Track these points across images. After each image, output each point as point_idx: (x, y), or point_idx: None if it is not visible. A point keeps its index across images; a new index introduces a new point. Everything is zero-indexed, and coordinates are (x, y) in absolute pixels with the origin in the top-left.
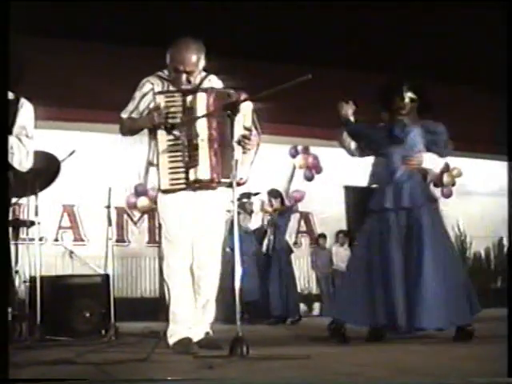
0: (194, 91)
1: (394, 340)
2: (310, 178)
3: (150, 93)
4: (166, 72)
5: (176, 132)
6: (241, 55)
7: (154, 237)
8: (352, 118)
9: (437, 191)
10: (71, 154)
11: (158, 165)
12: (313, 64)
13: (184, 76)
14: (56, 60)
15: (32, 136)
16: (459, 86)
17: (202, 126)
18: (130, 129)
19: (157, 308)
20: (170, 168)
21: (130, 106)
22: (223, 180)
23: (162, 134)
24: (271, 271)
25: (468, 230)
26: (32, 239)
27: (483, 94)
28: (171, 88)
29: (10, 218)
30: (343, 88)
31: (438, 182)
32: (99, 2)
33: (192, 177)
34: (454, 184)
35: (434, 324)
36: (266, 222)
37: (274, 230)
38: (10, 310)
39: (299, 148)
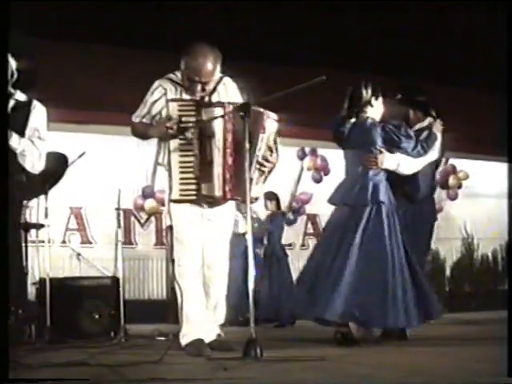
0: (210, 104)
1: (403, 342)
2: (318, 180)
3: (163, 98)
4: (178, 75)
5: (188, 145)
6: (253, 58)
7: (161, 239)
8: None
9: (443, 193)
10: (81, 155)
11: (169, 172)
12: (322, 66)
13: (199, 86)
14: (63, 62)
15: (44, 138)
16: (463, 88)
17: (216, 144)
18: (140, 134)
19: (165, 310)
20: (181, 179)
21: (142, 111)
22: (236, 197)
23: (174, 144)
24: (263, 277)
25: (475, 232)
26: (41, 241)
27: (489, 95)
28: (184, 95)
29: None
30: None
31: (444, 185)
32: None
33: (204, 192)
34: (460, 186)
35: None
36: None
37: (269, 237)
38: (20, 311)
39: (307, 150)
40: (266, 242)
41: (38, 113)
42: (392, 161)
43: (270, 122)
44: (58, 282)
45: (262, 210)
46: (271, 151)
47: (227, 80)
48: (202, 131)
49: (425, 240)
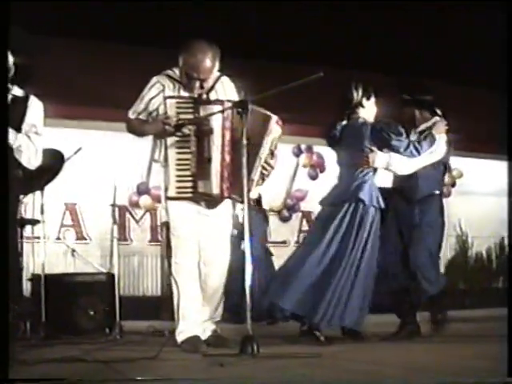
0: (208, 102)
1: (402, 339)
2: (314, 177)
3: (161, 95)
4: (176, 72)
5: (185, 142)
6: (250, 55)
7: (156, 235)
8: None
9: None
10: (77, 151)
11: (166, 169)
12: (318, 63)
13: (197, 83)
14: (61, 58)
15: (41, 133)
16: (459, 86)
17: (215, 139)
18: (136, 131)
19: (159, 307)
20: (178, 176)
21: (139, 107)
22: (233, 196)
23: (171, 141)
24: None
25: (469, 230)
26: (36, 237)
27: (486, 93)
28: (182, 92)
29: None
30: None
31: None
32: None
33: (201, 189)
34: (454, 184)
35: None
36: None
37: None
38: (16, 307)
39: (303, 147)
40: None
41: (35, 108)
42: (384, 159)
43: (276, 126)
44: (52, 278)
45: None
46: (272, 155)
47: (225, 79)
48: (200, 128)
49: (431, 240)
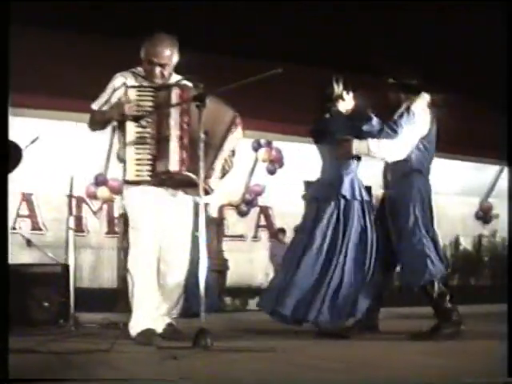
0: (168, 86)
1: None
2: (272, 172)
3: (123, 87)
4: (140, 69)
5: (144, 123)
6: (213, 50)
7: (113, 227)
8: None
9: None
10: (34, 140)
11: (124, 156)
12: (281, 59)
13: (158, 69)
14: (20, 46)
15: None
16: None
17: (173, 120)
18: (99, 121)
19: (115, 299)
20: (137, 159)
21: (102, 99)
22: (191, 173)
23: (130, 126)
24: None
25: None
26: None
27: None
28: (144, 84)
29: None
30: (311, 84)
31: None
32: None
33: (159, 168)
34: None
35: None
36: None
37: None
38: None
39: (262, 142)
40: None
41: None
42: (363, 145)
43: (239, 129)
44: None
45: None
46: (234, 153)
47: (185, 82)
48: (159, 111)
49: (403, 223)
